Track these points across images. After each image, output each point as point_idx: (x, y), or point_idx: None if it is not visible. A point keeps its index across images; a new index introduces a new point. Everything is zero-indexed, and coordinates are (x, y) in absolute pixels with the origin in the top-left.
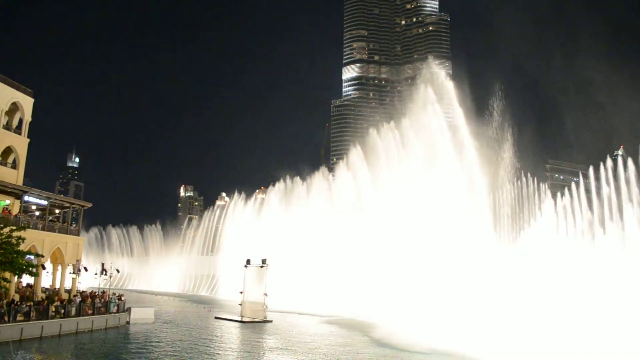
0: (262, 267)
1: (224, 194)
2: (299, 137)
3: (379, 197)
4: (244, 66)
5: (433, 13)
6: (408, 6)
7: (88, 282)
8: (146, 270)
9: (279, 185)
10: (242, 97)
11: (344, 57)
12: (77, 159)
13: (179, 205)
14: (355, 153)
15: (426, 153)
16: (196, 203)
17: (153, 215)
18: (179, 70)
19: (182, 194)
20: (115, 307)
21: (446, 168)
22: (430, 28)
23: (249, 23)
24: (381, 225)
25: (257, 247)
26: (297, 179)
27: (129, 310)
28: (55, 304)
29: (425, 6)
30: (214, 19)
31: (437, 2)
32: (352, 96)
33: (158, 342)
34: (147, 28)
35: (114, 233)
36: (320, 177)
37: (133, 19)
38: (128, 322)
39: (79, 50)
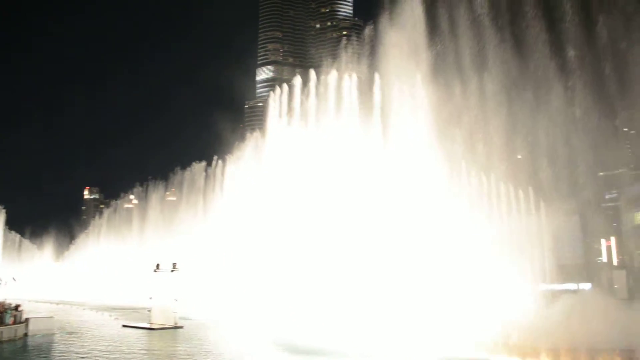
0: (172, 271)
1: (132, 197)
2: (211, 134)
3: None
4: (154, 59)
5: (347, 18)
6: (323, 10)
7: None
8: (46, 278)
9: None
10: (150, 92)
11: (259, 58)
12: None
13: (83, 208)
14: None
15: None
16: (102, 205)
17: (55, 219)
18: (83, 66)
19: (86, 196)
20: (12, 319)
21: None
22: (344, 32)
23: (163, 17)
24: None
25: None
26: None
27: (26, 321)
28: None
29: (339, 11)
30: (127, 15)
31: (351, 8)
32: (266, 97)
33: (59, 355)
34: (64, 28)
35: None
36: None
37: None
38: (26, 334)
39: None
